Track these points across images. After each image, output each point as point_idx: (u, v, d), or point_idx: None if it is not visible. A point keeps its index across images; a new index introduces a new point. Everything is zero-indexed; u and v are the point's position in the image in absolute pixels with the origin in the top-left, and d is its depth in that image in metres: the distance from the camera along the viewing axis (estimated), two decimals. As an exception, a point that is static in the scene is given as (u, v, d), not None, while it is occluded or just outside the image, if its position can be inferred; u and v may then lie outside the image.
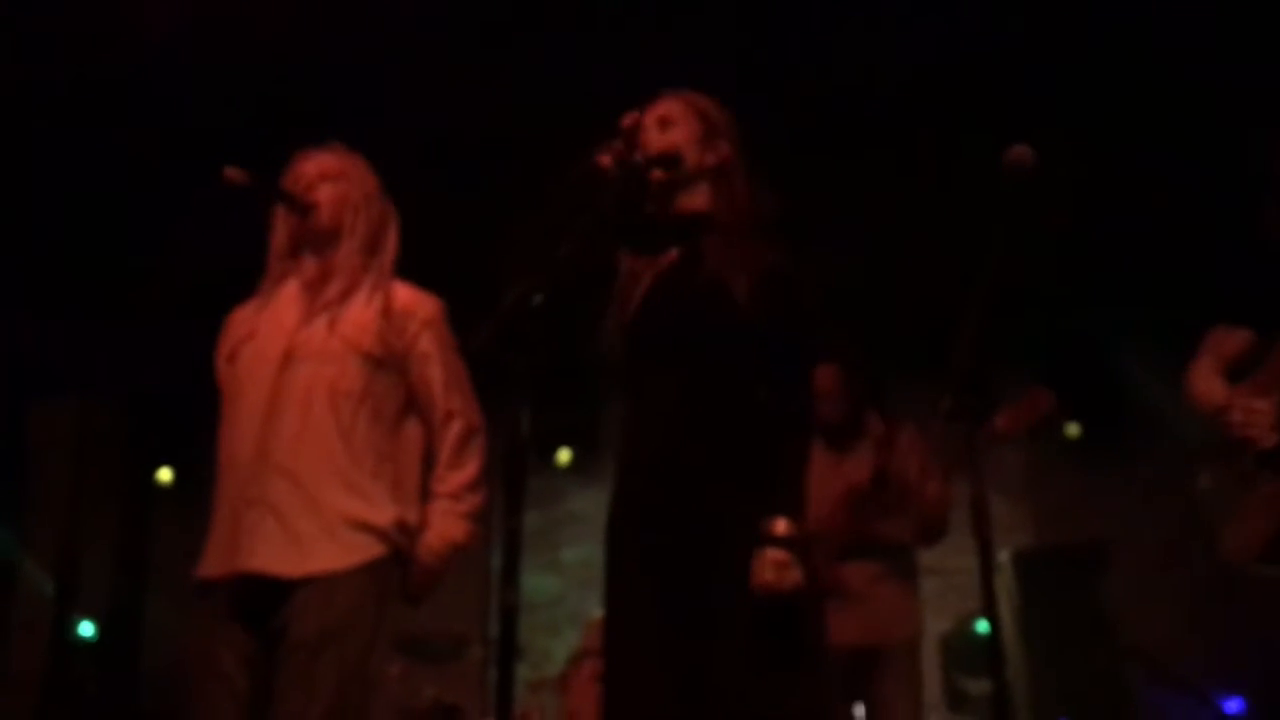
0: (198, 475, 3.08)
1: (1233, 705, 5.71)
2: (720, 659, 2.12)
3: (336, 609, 2.28)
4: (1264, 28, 4.41)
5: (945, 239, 4.49)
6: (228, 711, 2.27)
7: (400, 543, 2.42)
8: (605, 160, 2.34)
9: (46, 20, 4.47)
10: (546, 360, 1.88)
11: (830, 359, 3.65)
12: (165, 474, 7.58)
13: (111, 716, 6.91)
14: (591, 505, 6.25)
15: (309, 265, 2.58)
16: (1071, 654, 5.80)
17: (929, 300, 4.59)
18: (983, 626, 5.62)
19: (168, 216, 5.39)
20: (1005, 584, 6.01)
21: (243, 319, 2.60)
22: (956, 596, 5.40)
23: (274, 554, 2.30)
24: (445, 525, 2.50)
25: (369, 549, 2.36)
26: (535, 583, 7.04)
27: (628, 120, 2.43)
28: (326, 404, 2.41)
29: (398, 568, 2.43)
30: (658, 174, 2.41)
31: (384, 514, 2.40)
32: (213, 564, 2.38)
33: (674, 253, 2.45)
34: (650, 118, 2.45)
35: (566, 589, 7.11)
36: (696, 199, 2.45)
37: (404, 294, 2.58)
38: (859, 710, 3.65)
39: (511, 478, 1.83)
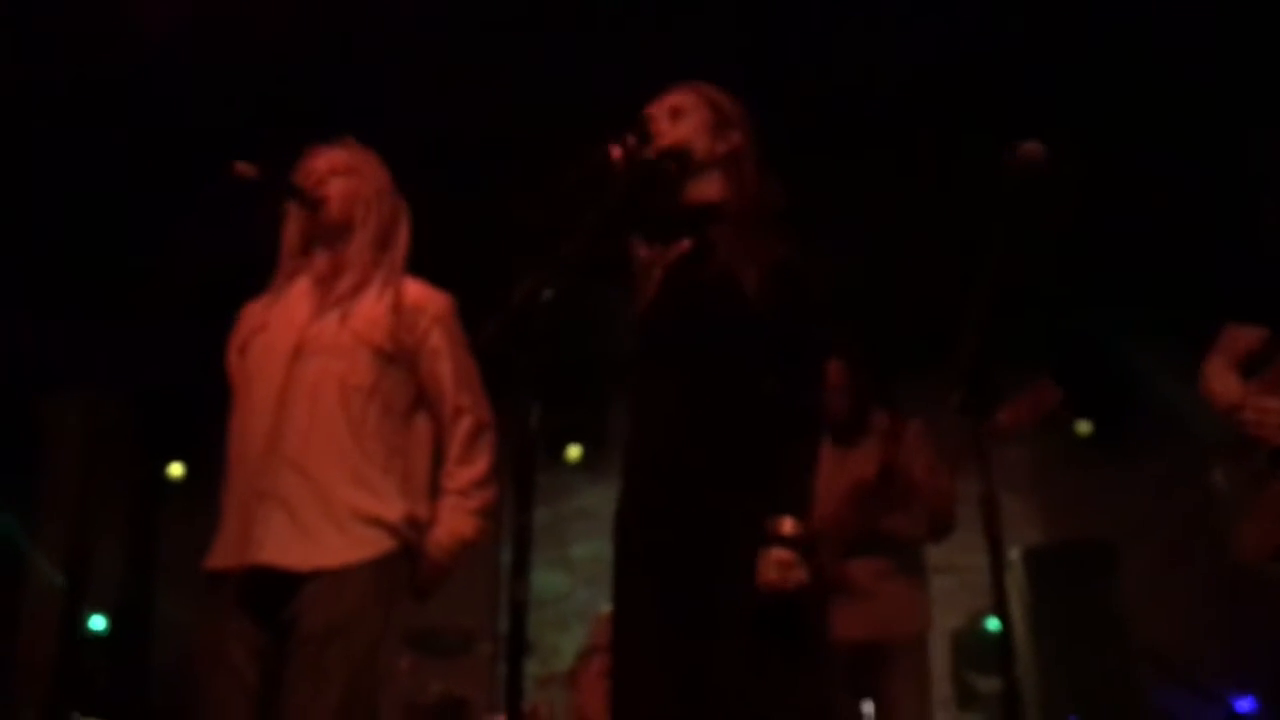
0: (208, 470, 3.08)
1: (1244, 704, 5.69)
2: (721, 658, 2.11)
3: (345, 603, 2.28)
4: (1264, 28, 4.39)
5: (946, 238, 4.49)
6: (237, 704, 2.28)
7: (409, 538, 2.42)
8: (616, 153, 2.33)
9: (46, 20, 4.47)
10: (556, 356, 1.88)
11: (837, 354, 3.65)
12: (176, 469, 7.62)
13: (122, 710, 6.92)
14: (600, 501, 6.24)
15: (320, 260, 2.59)
16: (1082, 652, 5.78)
17: (929, 300, 4.58)
18: (993, 624, 5.61)
19: (169, 215, 5.39)
20: (1016, 582, 5.99)
21: (254, 312, 2.60)
22: (967, 594, 5.39)
23: (283, 547, 2.31)
24: (455, 521, 2.50)
25: (378, 543, 2.36)
26: (544, 579, 7.04)
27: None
28: (337, 398, 2.41)
29: (407, 563, 2.42)
30: (667, 168, 2.40)
31: (394, 509, 2.40)
32: (222, 556, 2.38)
33: (685, 243, 2.44)
34: (661, 109, 2.45)
35: (575, 585, 7.12)
36: (708, 188, 2.44)
37: (415, 289, 2.58)
38: (868, 707, 3.65)
39: (521, 474, 1.83)
